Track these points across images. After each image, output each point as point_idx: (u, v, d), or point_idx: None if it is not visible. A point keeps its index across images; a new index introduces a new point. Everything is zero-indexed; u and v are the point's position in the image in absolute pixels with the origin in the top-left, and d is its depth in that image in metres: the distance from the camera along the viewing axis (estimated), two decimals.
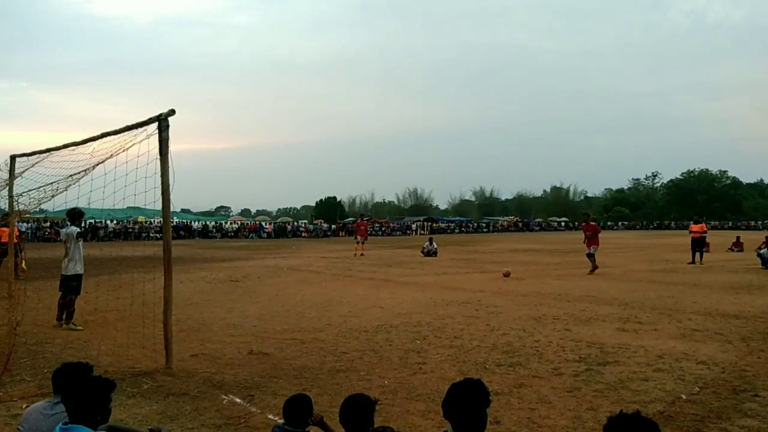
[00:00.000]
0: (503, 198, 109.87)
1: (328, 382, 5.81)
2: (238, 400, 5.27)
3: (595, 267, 16.76)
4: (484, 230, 72.58)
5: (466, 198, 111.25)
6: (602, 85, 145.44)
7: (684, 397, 5.27)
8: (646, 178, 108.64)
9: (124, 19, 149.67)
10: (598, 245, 17.45)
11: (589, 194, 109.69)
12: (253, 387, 5.68)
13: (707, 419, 4.68)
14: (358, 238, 26.77)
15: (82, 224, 10.36)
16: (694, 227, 21.39)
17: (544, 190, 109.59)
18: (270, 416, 4.76)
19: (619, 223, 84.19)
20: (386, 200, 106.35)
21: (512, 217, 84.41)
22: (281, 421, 3.28)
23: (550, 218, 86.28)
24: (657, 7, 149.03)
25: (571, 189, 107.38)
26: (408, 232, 64.50)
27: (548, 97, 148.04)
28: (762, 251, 18.92)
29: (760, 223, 74.07)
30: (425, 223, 70.16)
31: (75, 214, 9.94)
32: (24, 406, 4.95)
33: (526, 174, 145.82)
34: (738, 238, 28.86)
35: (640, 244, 35.66)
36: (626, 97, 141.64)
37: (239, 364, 6.65)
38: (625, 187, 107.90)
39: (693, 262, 20.16)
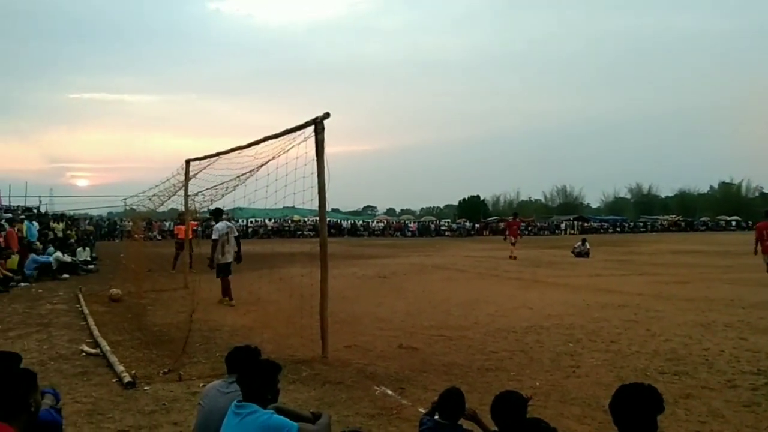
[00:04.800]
0: (663, 195, 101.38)
1: (477, 380, 5.79)
2: (389, 392, 5.43)
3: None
4: (642, 230, 67.73)
5: (621, 195, 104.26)
6: None
7: None
8: None
9: (280, 30, 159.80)
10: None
11: (765, 190, 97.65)
12: (404, 380, 5.82)
13: None
14: (511, 238, 24.13)
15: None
16: None
17: (711, 186, 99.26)
18: (421, 409, 4.82)
19: None
20: (532, 198, 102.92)
21: (674, 216, 77.83)
22: (422, 410, 3.33)
23: (719, 217, 78.17)
24: None
25: (744, 184, 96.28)
26: (557, 231, 62.14)
27: (713, 81, 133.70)
28: None
29: None
30: (575, 222, 67.11)
31: (221, 212, 11.04)
32: (201, 384, 5.51)
33: (690, 168, 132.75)
34: None
35: None
36: None
37: (389, 357, 6.84)
38: None
39: None
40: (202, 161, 11.86)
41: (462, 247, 33.40)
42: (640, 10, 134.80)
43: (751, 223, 71.76)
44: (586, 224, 67.05)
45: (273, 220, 55.81)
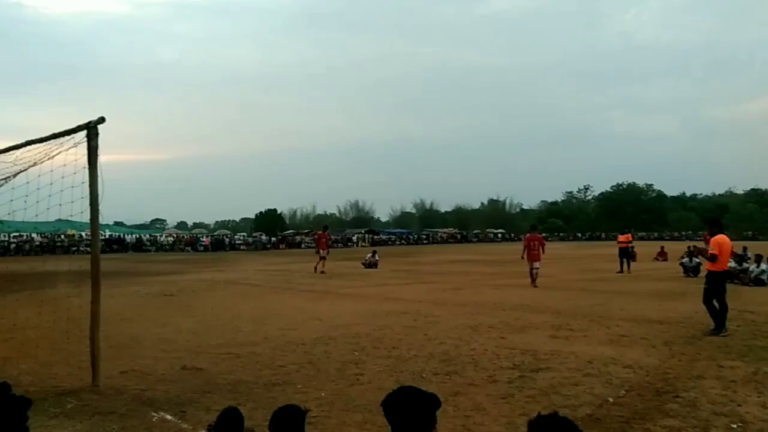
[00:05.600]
0: (443, 210, 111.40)
1: (263, 396, 5.71)
2: (169, 417, 5.11)
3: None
4: (425, 242, 73.41)
5: (407, 210, 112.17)
6: (539, 101, 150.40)
7: (611, 400, 5.47)
8: (579, 191, 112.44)
9: (59, 25, 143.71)
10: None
11: (524, 206, 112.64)
12: (186, 403, 5.52)
13: (632, 420, 4.87)
14: (321, 251, 23.17)
15: None
16: (621, 237, 22.37)
17: (482, 203, 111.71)
18: None
19: (554, 234, 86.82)
20: (328, 212, 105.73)
21: (451, 229, 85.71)
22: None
23: (488, 230, 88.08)
24: (591, 27, 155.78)
25: (508, 201, 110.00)
26: (349, 244, 64.45)
27: (486, 112, 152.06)
28: (684, 261, 19.95)
29: (683, 233, 77.99)
30: (366, 235, 70.35)
31: None
32: None
33: (465, 187, 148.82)
34: (662, 248, 30.32)
35: (572, 255, 36.88)
36: (562, 112, 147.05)
37: (171, 379, 6.44)
38: (559, 200, 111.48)
39: (621, 271, 21.03)
40: None
41: (257, 261, 32.98)
42: (446, 44, 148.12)
43: (513, 235, 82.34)
44: (376, 237, 70.74)
45: (43, 235, 49.57)
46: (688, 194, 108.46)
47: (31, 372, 6.68)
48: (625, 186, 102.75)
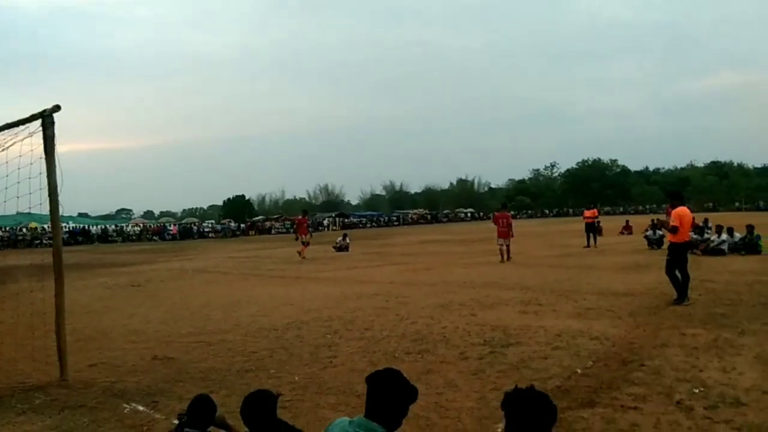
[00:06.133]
0: (412, 191, 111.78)
1: (236, 383, 5.69)
2: (140, 408, 5.06)
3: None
4: (395, 223, 73.59)
5: (377, 192, 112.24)
6: (506, 81, 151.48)
7: (579, 371, 5.60)
8: (545, 169, 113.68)
9: (14, 9, 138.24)
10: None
11: (492, 185, 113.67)
12: (157, 393, 5.47)
13: (600, 390, 5.00)
14: (302, 237, 22.48)
15: None
16: (587, 213, 22.76)
17: (451, 183, 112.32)
18: (176, 421, 4.60)
19: (522, 212, 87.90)
20: (297, 197, 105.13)
21: (421, 210, 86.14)
22: (176, 421, 3.20)
23: (457, 209, 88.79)
24: (556, 5, 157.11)
25: (476, 181, 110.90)
26: (320, 228, 64.19)
27: (453, 93, 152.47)
28: (648, 233, 20.42)
29: (647, 207, 79.71)
30: (337, 219, 70.21)
31: None
32: None
33: (434, 167, 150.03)
34: (627, 222, 30.90)
35: (540, 231, 37.37)
36: (529, 91, 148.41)
37: (142, 370, 6.38)
38: (526, 178, 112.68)
39: (588, 245, 21.42)
40: None
41: (226, 249, 32.66)
42: (413, 25, 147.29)
43: (482, 213, 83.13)
44: (347, 220, 70.68)
45: (3, 229, 48.33)
46: (651, 168, 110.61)
47: None
48: (590, 162, 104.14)
